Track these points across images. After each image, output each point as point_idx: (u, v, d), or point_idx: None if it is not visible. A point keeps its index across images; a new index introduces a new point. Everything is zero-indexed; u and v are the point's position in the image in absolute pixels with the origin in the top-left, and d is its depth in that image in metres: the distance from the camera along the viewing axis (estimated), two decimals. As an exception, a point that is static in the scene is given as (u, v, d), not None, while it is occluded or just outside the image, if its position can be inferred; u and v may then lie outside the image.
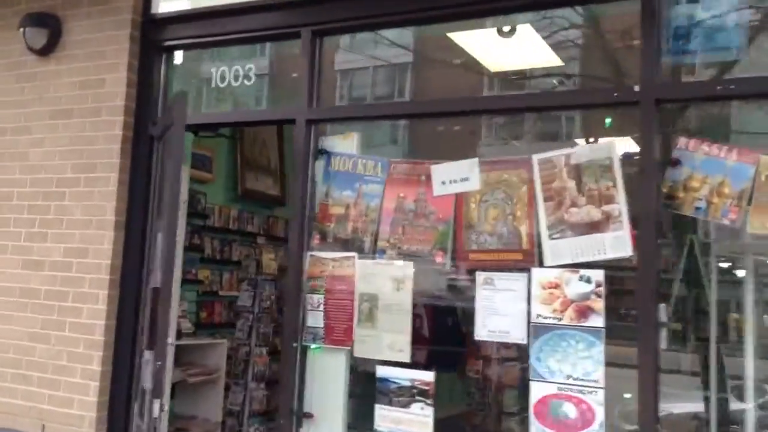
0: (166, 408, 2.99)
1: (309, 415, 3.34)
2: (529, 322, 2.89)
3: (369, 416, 3.24)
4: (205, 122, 3.92)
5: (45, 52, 4.22)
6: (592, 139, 3.51)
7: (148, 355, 3.38)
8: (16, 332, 4.01)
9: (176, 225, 3.14)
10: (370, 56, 3.96)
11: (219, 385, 4.66)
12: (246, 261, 5.05)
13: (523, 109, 3.42)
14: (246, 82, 3.90)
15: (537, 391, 2.84)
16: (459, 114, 3.45)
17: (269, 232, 5.76)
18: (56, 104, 4.15)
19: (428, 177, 3.29)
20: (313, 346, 3.41)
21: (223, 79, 3.95)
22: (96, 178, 3.95)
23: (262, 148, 5.96)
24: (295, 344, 3.41)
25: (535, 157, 3.05)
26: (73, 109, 4.09)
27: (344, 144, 3.62)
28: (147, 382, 3.36)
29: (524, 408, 2.90)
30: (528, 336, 2.89)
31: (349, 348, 3.31)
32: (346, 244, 3.45)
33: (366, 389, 3.33)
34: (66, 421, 3.75)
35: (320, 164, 3.61)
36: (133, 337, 3.81)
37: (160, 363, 2.97)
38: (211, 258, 5.23)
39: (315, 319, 3.42)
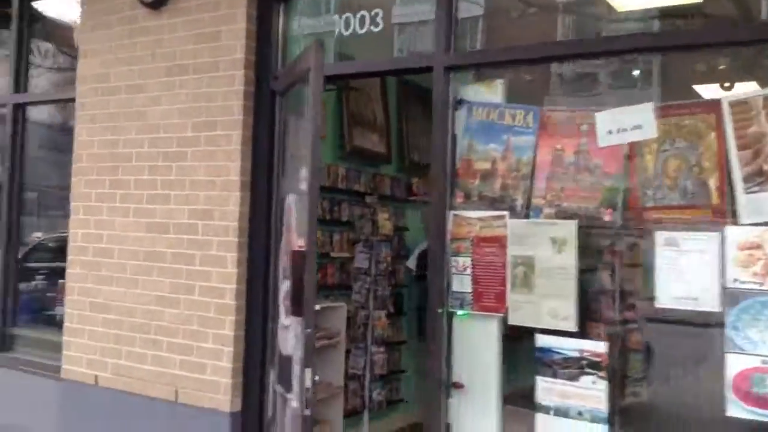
0: (317, 378, 2.82)
1: (459, 386, 3.13)
2: (723, 287, 2.56)
3: (525, 388, 3.00)
4: (335, 73, 3.67)
5: (157, 5, 4.03)
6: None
7: (288, 320, 3.22)
8: (144, 296, 3.93)
9: (318, 184, 2.93)
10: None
11: (340, 349, 4.52)
12: (360, 222, 4.84)
13: (699, 46, 3.00)
14: (373, 28, 3.61)
15: (735, 364, 2.52)
16: (623, 53, 3.08)
17: (376, 191, 5.53)
18: (171, 60, 3.97)
19: (590, 126, 2.95)
20: (460, 312, 3.18)
21: (348, 26, 3.67)
22: (217, 136, 3.78)
23: (367, 103, 5.70)
24: (440, 310, 3.18)
25: (726, 99, 2.67)
26: (189, 64, 3.91)
27: (487, 93, 3.31)
28: (287, 349, 3.21)
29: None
30: (722, 303, 2.56)
31: (502, 315, 3.06)
32: (494, 203, 3.16)
33: (521, 359, 3.09)
34: (199, 387, 3.67)
35: (460, 116, 3.31)
36: (263, 302, 3.67)
37: (309, 330, 2.79)
38: (321, 219, 5.05)
39: (461, 284, 3.17)
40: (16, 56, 4.83)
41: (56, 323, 4.74)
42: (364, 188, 5.49)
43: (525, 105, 3.18)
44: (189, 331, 3.74)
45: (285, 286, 3.34)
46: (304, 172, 3.06)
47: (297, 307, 2.90)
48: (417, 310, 5.82)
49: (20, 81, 4.84)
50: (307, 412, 2.78)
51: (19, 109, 4.83)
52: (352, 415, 4.69)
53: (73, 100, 4.48)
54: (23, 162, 4.87)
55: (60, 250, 5.07)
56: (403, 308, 5.58)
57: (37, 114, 5.36)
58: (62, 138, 5.07)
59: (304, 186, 3.04)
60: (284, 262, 3.41)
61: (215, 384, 3.63)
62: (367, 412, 4.65)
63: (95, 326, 4.11)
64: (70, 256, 4.26)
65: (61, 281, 4.88)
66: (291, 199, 3.38)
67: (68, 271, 4.27)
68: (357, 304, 4.71)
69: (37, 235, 5.45)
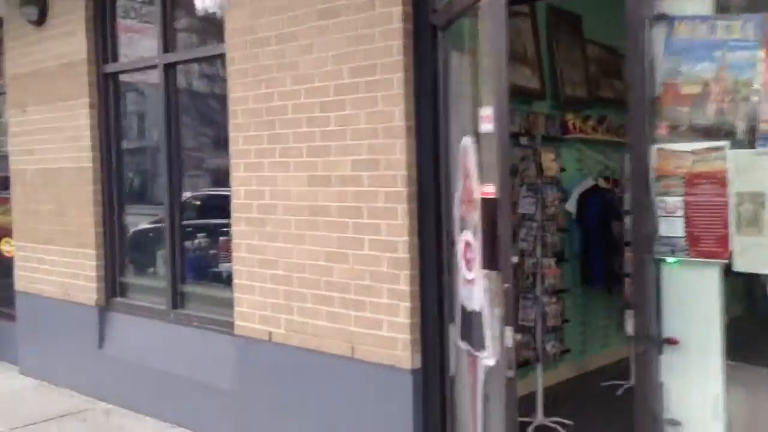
0: (519, 337, 2.59)
1: (673, 341, 2.79)
2: None
3: (756, 347, 2.62)
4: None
5: (302, -55, 3.81)
6: None
7: (472, 274, 3.00)
8: (311, 252, 3.85)
9: (507, 123, 2.62)
10: None
11: (509, 299, 4.27)
12: (522, 164, 4.50)
13: None
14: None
15: None
16: None
17: (530, 131, 5.14)
18: (320, 2, 3.75)
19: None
20: (671, 259, 2.80)
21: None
22: (377, 81, 3.55)
23: (516, 36, 5.27)
24: (647, 256, 2.83)
25: None
26: (341, 5, 3.67)
27: (692, 5, 2.83)
28: (473, 304, 3.00)
29: None
30: None
31: (726, 261, 2.66)
32: (707, 132, 2.72)
33: (750, 312, 2.70)
34: (376, 343, 3.56)
35: (658, 34, 2.86)
36: (437, 254, 3.47)
37: (508, 285, 2.55)
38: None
39: (671, 227, 2.78)
40: (162, 15, 4.81)
41: (222, 280, 4.82)
42: (518, 128, 5.12)
43: (742, 14, 2.69)
44: (361, 287, 3.62)
45: (465, 237, 3.11)
46: (486, 111, 2.77)
47: (491, 260, 2.66)
48: (580, 255, 5.44)
49: (168, 40, 4.82)
50: (510, 374, 2.56)
51: (170, 68, 4.83)
52: (523, 365, 4.47)
53: (221, 56, 4.41)
54: (178, 121, 4.89)
55: (206, 208, 5.14)
56: (565, 254, 5.23)
57: (126, 82, 5.39)
58: (190, 100, 5.09)
59: (486, 127, 2.75)
60: (462, 212, 3.17)
61: (393, 340, 3.50)
62: (541, 365, 4.41)
63: (264, 282, 4.09)
64: (235, 214, 4.25)
65: (222, 238, 4.95)
66: (467, 142, 3.11)
67: (234, 228, 4.27)
68: (524, 251, 4.42)
69: (156, 195, 5.53)
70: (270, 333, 4.07)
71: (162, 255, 5.21)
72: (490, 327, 2.81)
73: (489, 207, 2.67)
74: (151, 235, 5.46)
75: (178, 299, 4.89)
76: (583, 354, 5.69)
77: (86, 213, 5.29)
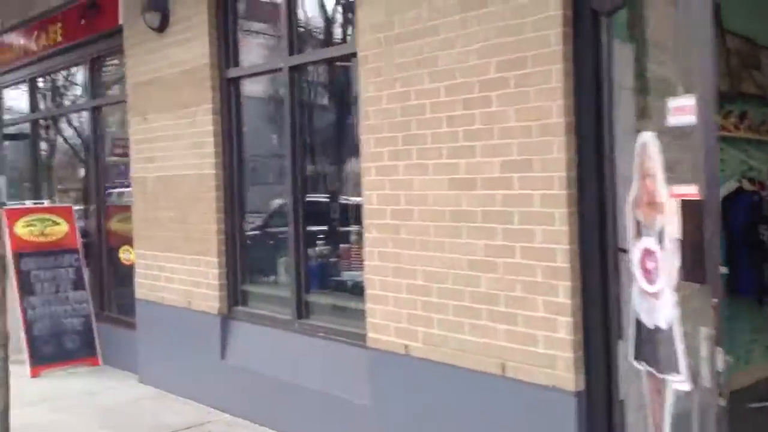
0: (729, 359, 2.23)
1: None
2: None
3: None
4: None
5: (441, -66, 3.57)
6: None
7: (655, 286, 2.65)
8: (453, 260, 3.59)
9: (713, 118, 2.27)
10: None
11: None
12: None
13: None
14: None
15: None
16: None
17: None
18: (462, -7, 3.50)
19: None
20: None
21: None
22: (529, 74, 3.25)
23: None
24: None
25: None
26: (486, -6, 3.41)
27: None
28: (657, 320, 2.65)
29: None
30: None
31: None
32: None
33: None
34: (531, 361, 3.25)
35: None
36: (602, 263, 3.13)
37: (716, 300, 2.20)
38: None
39: None
40: (287, 17, 4.68)
41: (347, 288, 4.64)
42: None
43: None
44: (512, 298, 3.33)
45: (643, 244, 2.76)
46: (680, 102, 2.43)
47: (694, 271, 2.30)
48: (724, 263, 4.95)
49: (293, 42, 4.69)
50: (722, 403, 2.20)
51: (296, 71, 4.70)
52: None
53: (351, 55, 4.24)
54: (303, 125, 4.75)
55: (326, 214, 4.96)
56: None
57: (249, 86, 5.29)
58: (316, 103, 4.94)
59: (682, 119, 2.41)
60: (639, 216, 2.82)
61: (551, 358, 3.18)
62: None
63: (400, 293, 3.86)
64: (366, 220, 4.05)
65: (343, 245, 4.78)
66: (646, 138, 2.76)
67: (365, 235, 4.06)
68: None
69: (277, 202, 5.41)
70: (406, 346, 3.84)
71: (283, 263, 5.09)
72: (683, 346, 2.46)
73: (691, 210, 2.32)
74: (271, 242, 5.36)
75: (303, 309, 4.73)
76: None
77: (208, 220, 5.24)
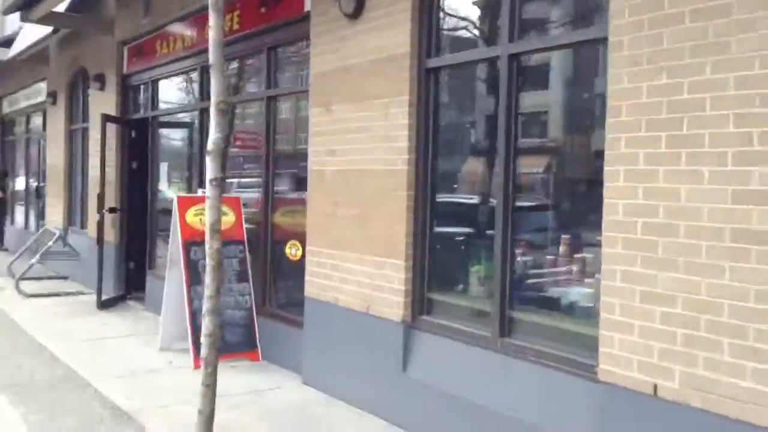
0: None
1: None
2: None
3: None
4: None
5: None
6: None
7: None
8: (734, 289, 2.95)
9: None
10: None
11: None
12: None
13: None
14: None
15: None
16: None
17: None
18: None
19: None
20: None
21: None
22: None
23: None
24: None
25: None
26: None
27: None
28: None
29: None
30: None
31: None
32: None
33: None
34: None
35: None
36: None
37: None
38: None
39: None
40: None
41: (560, 307, 4.09)
42: None
43: None
44: (824, 343, 2.66)
45: None
46: None
47: None
48: None
49: (514, 27, 4.19)
50: None
51: (516, 59, 4.19)
52: None
53: (594, 41, 3.69)
54: (518, 120, 4.24)
55: (532, 220, 4.42)
56: None
57: (451, 77, 4.80)
58: (536, 96, 4.39)
59: None
60: None
61: None
62: None
63: (650, 321, 3.27)
64: (608, 233, 3.47)
65: (549, 257, 4.22)
66: None
67: (605, 250, 3.49)
68: None
69: (475, 203, 4.89)
70: (655, 386, 3.23)
71: (477, 271, 4.61)
72: None
73: None
74: (463, 248, 4.90)
75: (506, 325, 4.22)
76: None
77: (397, 220, 4.84)
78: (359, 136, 5.20)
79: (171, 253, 6.77)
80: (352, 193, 5.28)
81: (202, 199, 6.70)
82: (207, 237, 3.61)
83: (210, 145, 3.63)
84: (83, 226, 11.44)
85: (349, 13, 5.20)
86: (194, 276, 6.41)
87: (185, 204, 6.58)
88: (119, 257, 9.60)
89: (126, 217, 9.63)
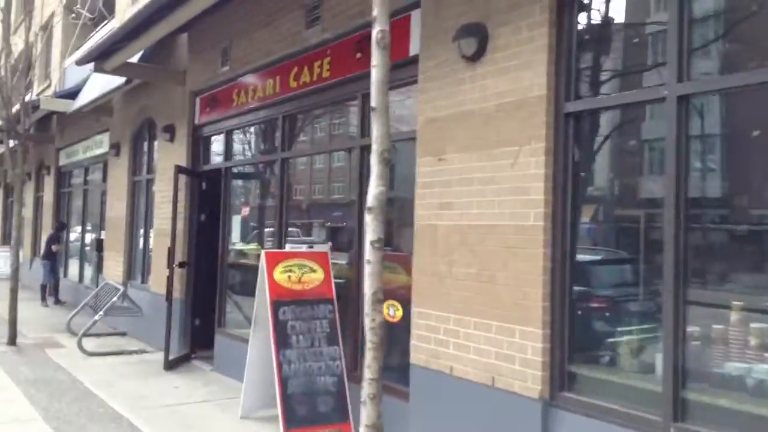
0: None
1: None
2: None
3: None
4: None
5: None
6: None
7: None
8: None
9: None
10: None
11: None
12: None
13: None
14: None
15: None
16: None
17: None
18: None
19: None
20: None
21: None
22: None
23: None
24: None
25: None
26: None
27: None
28: None
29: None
30: None
31: None
32: None
33: None
34: None
35: None
36: None
37: None
38: None
39: None
40: (678, 36, 3.74)
41: (749, 388, 3.48)
42: None
43: None
44: None
45: None
46: None
47: None
48: None
49: (683, 66, 3.73)
50: None
51: (684, 101, 3.72)
52: None
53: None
54: (689, 167, 3.73)
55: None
56: None
57: (594, 121, 4.34)
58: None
59: None
60: None
61: None
62: None
63: None
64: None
65: (718, 326, 3.64)
66: None
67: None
68: None
69: (626, 264, 4.37)
70: None
71: (629, 342, 4.04)
72: None
73: None
74: (608, 314, 4.33)
75: (679, 408, 3.62)
76: None
77: (531, 282, 4.31)
78: (481, 188, 4.72)
79: (256, 313, 6.30)
80: (471, 251, 4.77)
81: (291, 255, 6.30)
82: (366, 308, 3.21)
83: (371, 200, 3.19)
84: (144, 280, 11.12)
85: (468, 56, 4.80)
86: (283, 339, 5.92)
87: (273, 260, 6.14)
88: (185, 314, 9.19)
89: (193, 272, 9.26)
